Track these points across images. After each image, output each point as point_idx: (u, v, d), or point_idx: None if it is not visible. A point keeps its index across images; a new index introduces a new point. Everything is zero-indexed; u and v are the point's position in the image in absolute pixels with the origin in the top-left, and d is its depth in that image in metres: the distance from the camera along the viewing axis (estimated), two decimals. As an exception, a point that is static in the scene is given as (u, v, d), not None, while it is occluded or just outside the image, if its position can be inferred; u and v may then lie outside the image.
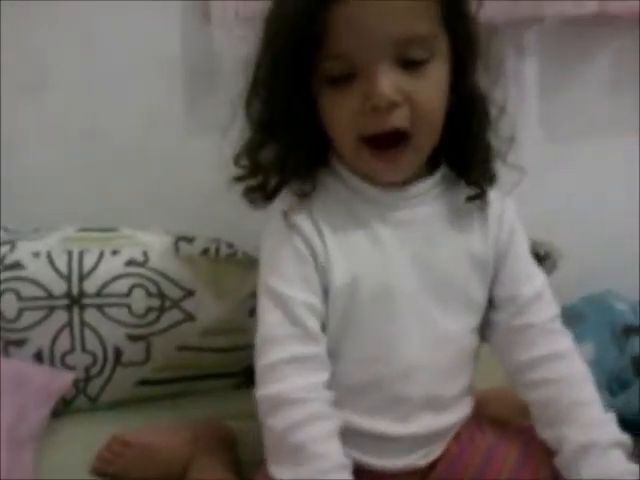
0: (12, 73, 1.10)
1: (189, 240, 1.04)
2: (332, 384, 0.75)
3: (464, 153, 0.79)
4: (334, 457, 0.70)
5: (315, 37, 0.70)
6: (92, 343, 1.01)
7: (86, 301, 1.00)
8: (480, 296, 0.81)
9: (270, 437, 0.72)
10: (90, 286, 1.01)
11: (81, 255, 1.02)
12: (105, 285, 1.01)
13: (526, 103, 1.26)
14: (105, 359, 1.02)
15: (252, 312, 1.04)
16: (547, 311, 0.82)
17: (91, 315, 1.01)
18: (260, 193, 0.81)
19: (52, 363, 1.01)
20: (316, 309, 0.75)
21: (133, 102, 1.15)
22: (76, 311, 1.00)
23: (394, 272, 0.77)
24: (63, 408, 1.02)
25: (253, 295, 1.03)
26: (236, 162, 0.80)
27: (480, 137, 0.79)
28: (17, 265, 1.00)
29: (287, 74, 0.73)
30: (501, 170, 0.81)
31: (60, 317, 1.00)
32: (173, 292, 1.02)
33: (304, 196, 0.77)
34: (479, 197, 0.80)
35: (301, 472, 0.69)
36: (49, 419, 0.97)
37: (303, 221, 0.76)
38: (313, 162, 0.78)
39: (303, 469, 0.69)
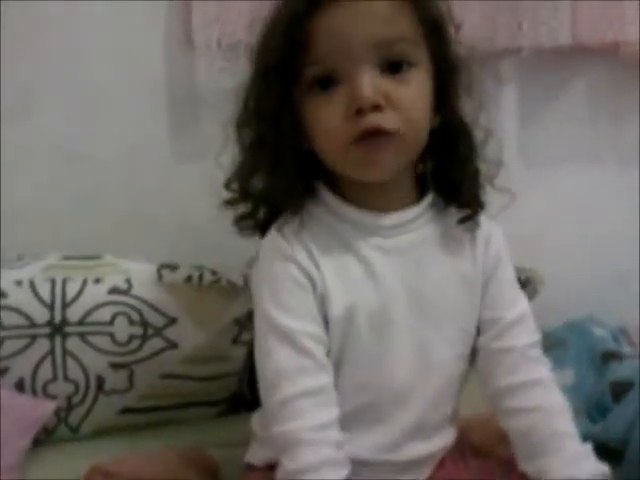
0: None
1: (172, 268, 1.04)
2: None
3: (452, 177, 0.80)
4: None
5: (300, 44, 0.72)
6: (74, 372, 1.01)
7: (69, 329, 1.00)
8: (471, 320, 0.82)
9: (282, 472, 0.73)
10: (73, 314, 1.00)
11: (64, 283, 1.01)
12: (88, 313, 1.01)
13: (505, 130, 1.28)
14: (87, 387, 1.01)
15: (235, 340, 1.05)
16: (528, 337, 0.82)
17: (73, 343, 1.00)
18: (250, 221, 0.81)
19: (34, 392, 1.00)
20: (321, 338, 0.76)
21: (116, 129, 1.15)
22: (58, 339, 1.00)
23: (387, 298, 0.78)
24: (44, 437, 1.01)
25: (236, 323, 1.04)
26: (227, 187, 0.81)
27: (467, 161, 0.80)
28: (-1, 294, 1.00)
29: (275, 84, 0.74)
30: (488, 194, 0.82)
31: (42, 346, 1.00)
32: (156, 320, 1.02)
33: (296, 226, 0.77)
34: (470, 218, 0.80)
35: None
36: (30, 448, 0.96)
37: (298, 252, 0.76)
38: (300, 190, 0.78)
39: None
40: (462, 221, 0.80)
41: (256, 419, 0.85)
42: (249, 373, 1.06)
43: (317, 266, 0.76)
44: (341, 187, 0.79)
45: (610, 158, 1.34)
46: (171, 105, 1.17)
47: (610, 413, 1.05)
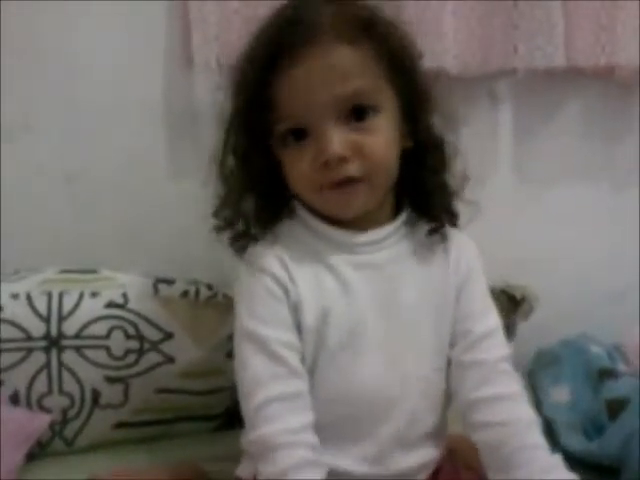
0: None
1: (169, 282, 1.05)
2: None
3: (424, 192, 0.83)
4: None
5: (267, 104, 0.76)
6: (70, 385, 1.01)
7: (65, 343, 1.00)
8: (446, 334, 0.83)
9: (264, 476, 0.74)
10: (69, 328, 1.01)
11: (61, 296, 1.02)
12: (84, 327, 1.01)
13: (500, 149, 1.30)
14: (82, 401, 1.01)
15: (230, 354, 1.04)
16: (498, 350, 0.83)
17: (69, 357, 1.00)
18: (245, 240, 0.84)
19: (29, 405, 1.00)
20: (294, 345, 0.78)
21: (114, 145, 1.16)
22: (54, 353, 1.00)
23: (359, 312, 0.80)
24: (39, 451, 1.01)
25: (232, 337, 1.04)
26: (215, 215, 0.84)
27: (437, 176, 0.83)
28: (-5, 307, 1.00)
29: (249, 138, 0.79)
30: (460, 207, 0.85)
31: (38, 359, 1.00)
32: (152, 334, 1.02)
33: (270, 240, 0.81)
34: (438, 230, 0.83)
35: None
36: (24, 462, 0.96)
37: (272, 264, 0.79)
38: (279, 212, 0.83)
39: None
40: (430, 232, 0.83)
41: (244, 434, 0.86)
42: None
43: (291, 276, 0.79)
44: None
45: (604, 177, 1.35)
46: (170, 122, 1.18)
47: (606, 431, 1.05)
